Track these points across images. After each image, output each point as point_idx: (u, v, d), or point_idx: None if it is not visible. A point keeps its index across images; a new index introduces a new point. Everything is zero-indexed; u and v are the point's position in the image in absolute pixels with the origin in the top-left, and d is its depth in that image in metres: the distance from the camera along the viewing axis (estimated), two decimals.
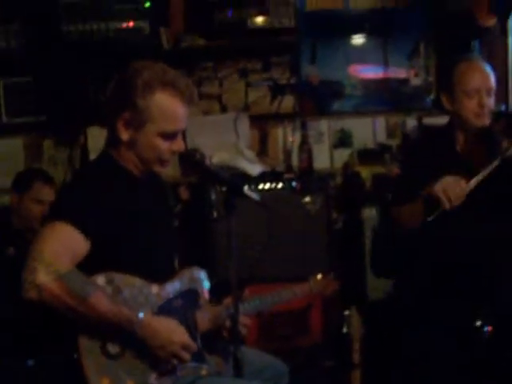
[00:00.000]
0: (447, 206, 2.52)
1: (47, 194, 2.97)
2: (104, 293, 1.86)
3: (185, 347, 1.92)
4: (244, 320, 2.09)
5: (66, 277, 1.79)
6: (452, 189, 2.51)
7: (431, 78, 3.85)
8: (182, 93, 1.94)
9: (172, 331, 1.91)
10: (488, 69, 2.65)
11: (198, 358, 2.01)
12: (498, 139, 2.57)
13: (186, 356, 1.93)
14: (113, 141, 2.01)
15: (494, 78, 2.65)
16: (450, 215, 2.56)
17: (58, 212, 1.91)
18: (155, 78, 1.92)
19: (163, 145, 1.96)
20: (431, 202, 2.57)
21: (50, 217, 1.91)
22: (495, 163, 2.52)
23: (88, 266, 1.87)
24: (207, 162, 2.01)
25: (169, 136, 1.96)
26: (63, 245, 1.83)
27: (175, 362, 1.92)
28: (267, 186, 3.45)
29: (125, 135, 1.95)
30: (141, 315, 1.86)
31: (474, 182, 2.53)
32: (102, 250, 1.90)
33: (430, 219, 2.56)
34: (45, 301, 1.78)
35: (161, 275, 2.02)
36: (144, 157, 1.98)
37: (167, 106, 1.93)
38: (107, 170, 2.02)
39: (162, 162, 2.00)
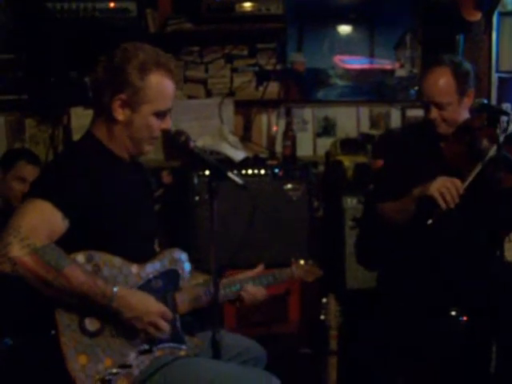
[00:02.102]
0: (444, 207, 2.48)
1: (30, 172, 2.96)
2: (79, 266, 1.86)
3: (162, 316, 1.93)
4: (255, 290, 2.19)
5: (40, 250, 1.78)
6: (448, 189, 2.48)
7: (416, 70, 3.87)
8: (173, 73, 2.02)
9: (147, 301, 1.92)
10: (440, 81, 2.61)
11: (176, 338, 2.02)
12: (478, 136, 2.59)
13: (164, 324, 1.94)
14: (104, 120, 2.02)
15: (452, 89, 2.62)
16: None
17: (37, 190, 1.91)
18: (150, 60, 1.98)
19: (156, 123, 2.02)
20: (426, 203, 2.54)
21: (29, 194, 1.91)
22: (479, 166, 2.52)
23: (68, 244, 1.87)
24: (192, 144, 2.01)
25: (161, 114, 2.03)
26: (40, 221, 1.83)
27: (153, 331, 1.93)
28: (250, 171, 3.46)
29: (121, 116, 1.99)
30: (115, 288, 1.86)
31: (466, 182, 2.50)
32: (82, 230, 1.90)
33: (429, 223, 2.50)
34: (18, 274, 1.77)
35: (140, 258, 2.02)
36: (138, 136, 2.02)
37: (162, 85, 2.00)
38: (91, 151, 2.02)
39: (152, 140, 2.06)
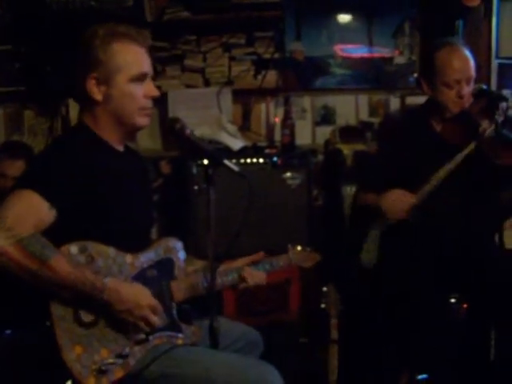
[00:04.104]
0: (389, 219, 2.65)
1: (7, 167, 2.99)
2: (65, 256, 1.84)
3: (153, 310, 1.92)
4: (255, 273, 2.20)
5: (25, 240, 1.77)
6: (397, 203, 2.61)
7: (415, 57, 3.85)
8: (136, 39, 2.02)
9: (138, 294, 1.91)
10: (468, 56, 2.64)
11: (173, 327, 2.02)
12: (476, 119, 2.58)
13: (155, 319, 1.92)
14: (87, 107, 2.01)
15: (474, 64, 2.65)
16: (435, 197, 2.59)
17: (24, 180, 1.90)
18: (108, 33, 1.98)
19: (137, 91, 1.99)
20: (379, 212, 2.67)
21: (16, 185, 1.89)
22: (471, 146, 2.55)
23: (61, 235, 1.85)
24: (188, 131, 1.99)
25: (139, 79, 2.00)
26: (26, 211, 1.81)
27: (143, 325, 1.92)
28: (249, 160, 3.45)
29: (98, 95, 1.97)
30: (106, 280, 1.85)
31: (421, 194, 2.60)
32: (73, 220, 1.88)
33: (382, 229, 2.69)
34: (3, 265, 1.76)
35: (134, 248, 2.01)
36: (123, 110, 1.99)
37: (127, 51, 1.99)
38: (81, 140, 2.00)
39: (143, 110, 2.02)
